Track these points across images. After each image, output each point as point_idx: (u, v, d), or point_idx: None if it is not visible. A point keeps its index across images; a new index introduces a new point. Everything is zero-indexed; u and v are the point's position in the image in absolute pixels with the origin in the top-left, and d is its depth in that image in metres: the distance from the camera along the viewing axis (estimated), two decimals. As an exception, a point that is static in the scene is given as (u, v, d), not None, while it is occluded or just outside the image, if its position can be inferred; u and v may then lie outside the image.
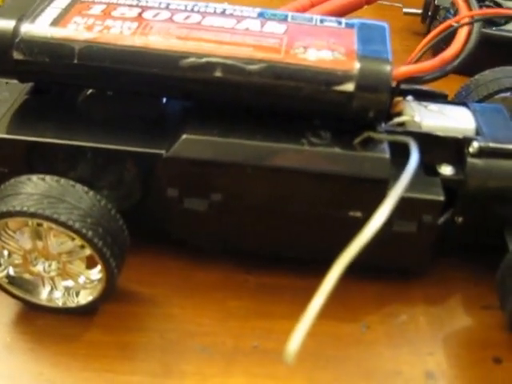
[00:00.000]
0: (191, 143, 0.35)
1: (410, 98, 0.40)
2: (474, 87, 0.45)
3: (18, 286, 0.37)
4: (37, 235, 0.35)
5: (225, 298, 0.40)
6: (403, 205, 0.36)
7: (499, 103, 0.43)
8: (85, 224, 0.33)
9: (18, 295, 0.37)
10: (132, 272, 0.40)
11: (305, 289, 0.40)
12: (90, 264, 0.36)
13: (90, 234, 0.33)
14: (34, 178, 0.34)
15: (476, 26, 0.37)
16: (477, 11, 0.39)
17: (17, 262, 0.36)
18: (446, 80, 0.44)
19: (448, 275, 0.42)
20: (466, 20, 0.38)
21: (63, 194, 0.34)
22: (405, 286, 0.41)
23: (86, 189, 0.34)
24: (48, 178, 0.34)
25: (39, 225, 0.34)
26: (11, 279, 0.37)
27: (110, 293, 0.36)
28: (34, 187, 0.34)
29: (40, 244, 0.35)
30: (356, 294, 0.41)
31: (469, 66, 0.47)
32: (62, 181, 0.34)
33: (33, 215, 0.33)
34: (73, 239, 0.34)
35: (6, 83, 0.40)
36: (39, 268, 0.36)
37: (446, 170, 0.37)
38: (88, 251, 0.34)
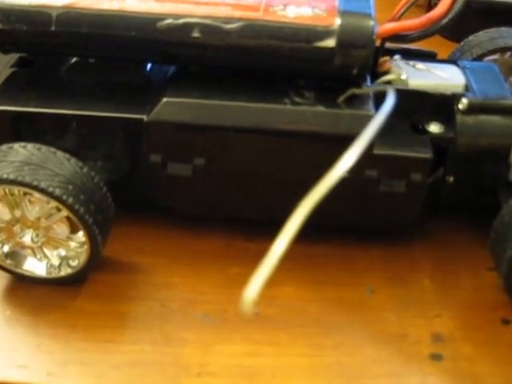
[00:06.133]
0: (172, 106, 0.35)
1: (397, 57, 0.39)
2: (467, 48, 0.44)
3: (15, 262, 0.37)
4: (15, 204, 0.35)
5: (226, 265, 0.39)
6: (391, 163, 0.36)
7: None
8: (66, 190, 0.33)
9: (14, 271, 0.37)
10: (131, 242, 0.40)
11: (306, 255, 0.40)
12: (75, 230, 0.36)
13: (70, 200, 0.33)
14: (16, 145, 0.34)
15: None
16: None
17: (4, 236, 0.36)
18: (442, 46, 0.43)
19: (453, 238, 0.42)
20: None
21: (44, 161, 0.33)
22: (409, 249, 0.41)
23: (67, 155, 0.34)
24: (30, 145, 0.34)
25: (12, 194, 0.34)
26: (7, 256, 0.37)
27: (94, 262, 0.36)
28: (15, 155, 0.33)
29: (18, 212, 0.35)
30: (360, 258, 0.40)
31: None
32: (44, 148, 0.34)
33: (12, 182, 0.33)
34: (48, 202, 0.34)
35: None
36: (26, 239, 0.36)
37: (435, 128, 0.36)
38: (65, 213, 0.34)
